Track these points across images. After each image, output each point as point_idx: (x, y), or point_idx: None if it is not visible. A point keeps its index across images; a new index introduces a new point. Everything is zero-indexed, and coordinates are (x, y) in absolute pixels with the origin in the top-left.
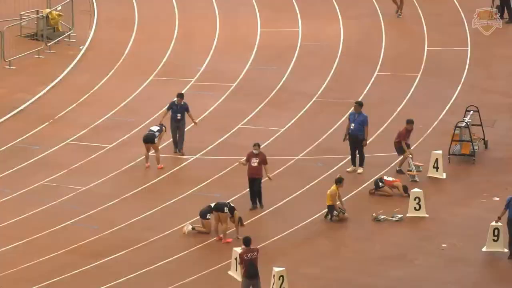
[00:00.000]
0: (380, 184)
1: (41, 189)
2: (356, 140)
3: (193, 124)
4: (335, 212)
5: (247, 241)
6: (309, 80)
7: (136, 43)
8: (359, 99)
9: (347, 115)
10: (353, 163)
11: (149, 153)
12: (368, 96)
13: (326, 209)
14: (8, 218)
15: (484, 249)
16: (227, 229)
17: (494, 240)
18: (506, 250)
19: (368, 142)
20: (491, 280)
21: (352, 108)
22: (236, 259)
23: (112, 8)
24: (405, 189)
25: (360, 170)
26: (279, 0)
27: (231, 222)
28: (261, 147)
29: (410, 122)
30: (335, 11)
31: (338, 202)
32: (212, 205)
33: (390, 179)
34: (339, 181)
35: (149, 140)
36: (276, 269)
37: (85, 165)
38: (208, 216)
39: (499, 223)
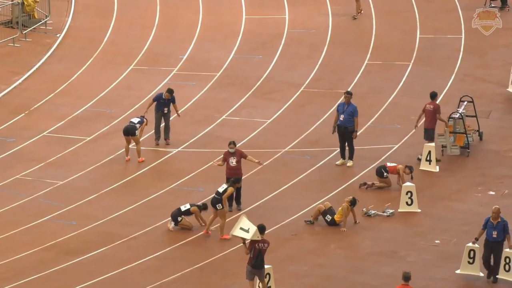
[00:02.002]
0: (385, 174)
1: (17, 183)
2: (346, 132)
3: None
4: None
5: (262, 229)
6: (296, 69)
7: (115, 31)
8: (349, 89)
9: (335, 106)
10: (342, 156)
11: (130, 146)
12: (358, 86)
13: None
14: None
15: (458, 271)
16: (224, 225)
17: (469, 263)
18: (481, 274)
19: (358, 133)
20: (485, 277)
21: (341, 98)
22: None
23: None
24: (411, 169)
25: (349, 163)
26: None
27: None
28: (247, 138)
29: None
30: None
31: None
32: (185, 207)
33: (393, 164)
34: (354, 203)
35: (130, 132)
36: None
37: (62, 158)
38: (179, 219)
39: (476, 245)
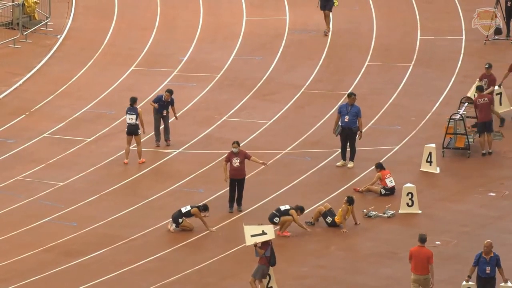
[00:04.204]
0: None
1: (17, 184)
2: (350, 133)
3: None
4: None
5: None
6: (296, 70)
7: (115, 32)
8: (349, 90)
9: (336, 107)
10: (343, 157)
11: (130, 147)
12: (358, 87)
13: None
14: None
15: None
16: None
17: None
18: None
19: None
20: None
21: (343, 100)
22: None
23: None
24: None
25: (350, 164)
26: None
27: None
28: (247, 140)
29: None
30: None
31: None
32: (186, 208)
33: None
34: (351, 202)
35: (133, 132)
36: None
37: (63, 159)
38: (180, 220)
39: (471, 282)
